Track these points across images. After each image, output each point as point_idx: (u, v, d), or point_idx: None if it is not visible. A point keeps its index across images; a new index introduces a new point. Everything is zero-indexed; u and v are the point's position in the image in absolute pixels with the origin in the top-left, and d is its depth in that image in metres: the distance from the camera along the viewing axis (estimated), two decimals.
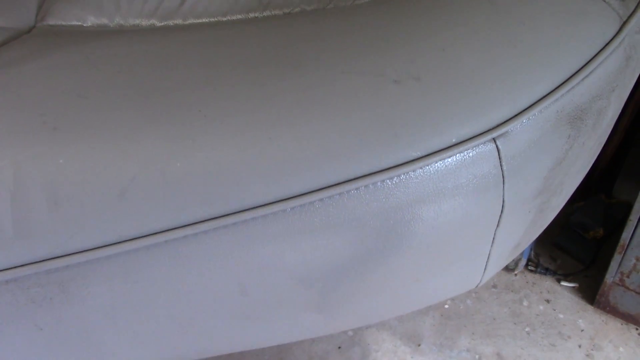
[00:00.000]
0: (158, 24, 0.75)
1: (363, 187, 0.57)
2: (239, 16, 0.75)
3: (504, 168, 0.62)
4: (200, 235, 0.55)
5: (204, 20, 0.75)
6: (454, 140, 0.58)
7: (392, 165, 0.57)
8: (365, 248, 0.60)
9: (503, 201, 0.64)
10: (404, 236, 0.61)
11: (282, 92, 0.58)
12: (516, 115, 0.61)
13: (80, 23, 0.75)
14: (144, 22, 0.75)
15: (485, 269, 0.73)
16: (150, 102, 0.57)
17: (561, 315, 1.81)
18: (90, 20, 0.75)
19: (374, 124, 0.57)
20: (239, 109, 0.57)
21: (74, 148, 0.54)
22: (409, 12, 0.67)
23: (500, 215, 0.65)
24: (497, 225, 0.67)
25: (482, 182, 0.61)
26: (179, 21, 0.75)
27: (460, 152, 0.59)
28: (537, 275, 1.91)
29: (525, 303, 1.85)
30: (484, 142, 0.60)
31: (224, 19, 0.75)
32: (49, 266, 0.54)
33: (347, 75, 0.60)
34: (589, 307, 1.81)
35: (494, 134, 0.60)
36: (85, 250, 0.54)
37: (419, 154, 0.58)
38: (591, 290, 1.86)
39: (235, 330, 0.64)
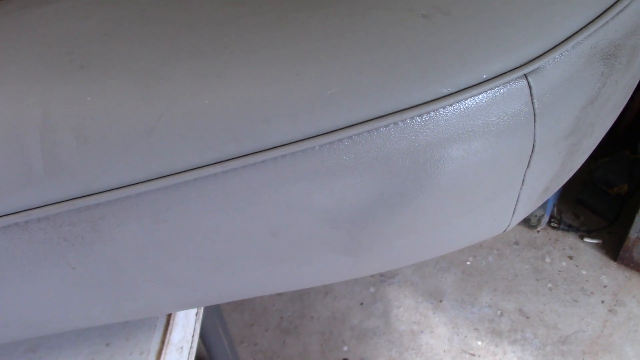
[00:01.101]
0: None
1: (392, 125, 0.56)
2: None
3: (536, 106, 0.60)
4: (229, 173, 0.55)
5: None
6: (484, 77, 0.57)
7: (421, 102, 0.56)
8: (394, 188, 0.60)
9: (534, 141, 0.63)
10: (432, 176, 0.60)
11: (309, 28, 0.57)
12: (548, 51, 0.59)
13: None
14: None
15: (514, 212, 0.72)
16: (176, 39, 0.57)
17: (584, 272, 1.80)
18: None
19: (402, 60, 0.56)
20: (266, 44, 0.56)
21: (101, 86, 0.54)
22: None
23: (530, 155, 0.64)
24: (528, 166, 0.66)
25: (513, 120, 0.60)
26: None
27: (491, 89, 0.58)
28: (559, 232, 1.90)
29: (547, 259, 1.84)
30: (516, 79, 0.58)
31: None
32: (79, 204, 0.54)
33: (375, 10, 0.58)
34: (612, 264, 1.80)
35: (526, 70, 0.58)
36: (115, 189, 0.54)
37: (448, 90, 0.56)
38: (614, 247, 1.85)
39: (265, 272, 0.65)
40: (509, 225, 0.76)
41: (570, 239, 1.87)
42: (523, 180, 0.67)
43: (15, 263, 0.57)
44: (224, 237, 0.59)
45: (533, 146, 0.64)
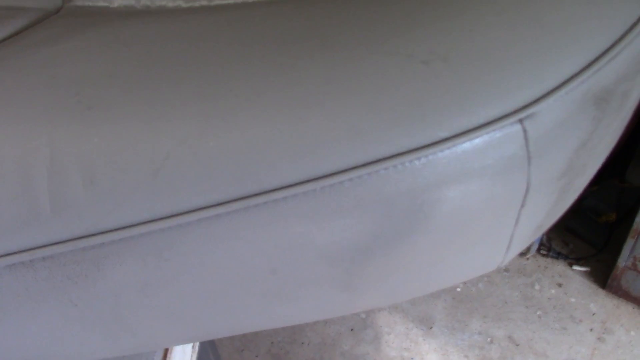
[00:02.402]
0: (184, 5, 0.75)
1: (392, 167, 0.58)
2: None
3: (530, 149, 0.62)
4: (231, 214, 0.56)
5: (229, 1, 0.75)
6: (481, 121, 0.59)
7: (420, 145, 0.58)
8: (392, 228, 0.61)
9: (528, 182, 0.64)
10: (430, 216, 0.62)
11: (311, 72, 0.59)
12: (543, 96, 0.61)
13: (107, 4, 0.75)
14: (170, 4, 0.75)
15: (507, 249, 0.74)
16: (182, 81, 0.58)
17: (573, 299, 1.82)
18: (117, 1, 0.75)
19: (402, 104, 0.58)
20: (269, 88, 0.58)
21: (108, 127, 0.55)
22: None
23: (525, 196, 0.66)
24: (522, 206, 0.67)
25: (508, 163, 0.62)
26: (204, 2, 0.75)
27: (487, 133, 0.59)
28: (549, 259, 1.92)
29: (537, 287, 1.86)
30: (511, 123, 0.60)
31: (250, 0, 0.76)
32: (85, 243, 0.55)
33: (376, 55, 0.60)
34: (601, 291, 1.82)
35: (521, 115, 0.60)
36: (120, 228, 0.55)
37: (446, 134, 0.58)
38: (603, 275, 1.87)
39: (263, 308, 0.66)
40: (502, 262, 0.77)
41: (560, 266, 1.89)
42: (517, 219, 0.69)
43: (18, 300, 0.57)
44: (225, 275, 0.60)
45: (527, 187, 0.65)
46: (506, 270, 1.90)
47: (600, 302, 1.76)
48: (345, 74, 0.59)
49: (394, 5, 0.67)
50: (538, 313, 1.78)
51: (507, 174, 0.63)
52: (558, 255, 1.81)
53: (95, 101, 0.57)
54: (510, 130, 0.60)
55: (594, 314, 1.74)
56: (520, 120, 0.61)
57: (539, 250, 1.87)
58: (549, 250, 1.84)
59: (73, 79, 0.59)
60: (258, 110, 0.56)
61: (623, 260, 1.58)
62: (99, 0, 0.76)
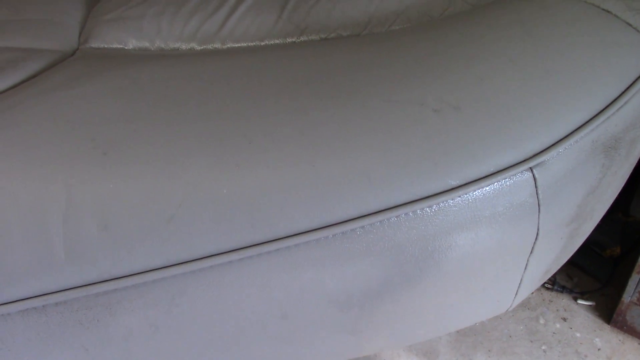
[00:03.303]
0: (197, 47, 0.76)
1: (403, 215, 0.58)
2: (277, 41, 0.77)
3: (540, 197, 0.62)
4: (244, 260, 0.57)
5: (242, 44, 0.77)
6: (492, 170, 0.60)
7: (431, 193, 0.58)
8: (402, 274, 0.61)
9: (538, 229, 0.65)
10: (440, 263, 0.62)
11: (324, 120, 0.60)
12: (553, 145, 0.62)
13: (122, 46, 0.77)
14: (184, 46, 0.76)
15: (516, 293, 0.74)
16: (196, 128, 0.59)
17: (578, 334, 1.80)
18: (132, 43, 0.76)
19: (414, 153, 0.58)
20: (283, 137, 0.58)
21: (124, 173, 0.55)
22: (446, 41, 0.69)
23: (534, 242, 0.66)
24: (531, 252, 0.67)
25: (518, 211, 0.62)
26: (217, 45, 0.77)
27: (497, 181, 0.60)
28: (553, 293, 1.91)
29: (541, 321, 1.85)
30: (521, 172, 0.61)
31: (262, 43, 0.77)
32: (98, 289, 0.55)
33: (388, 103, 0.61)
34: (606, 326, 1.81)
35: (531, 164, 0.61)
36: (133, 274, 0.55)
37: (457, 182, 0.59)
38: (608, 309, 1.86)
39: (273, 352, 0.65)
40: (511, 306, 0.77)
41: (564, 300, 1.88)
42: (526, 265, 0.69)
43: (30, 345, 0.57)
44: (236, 320, 0.60)
45: (537, 234, 0.65)
46: None
47: (606, 337, 1.75)
48: (357, 121, 0.60)
49: (405, 52, 0.68)
50: (543, 347, 1.76)
51: (517, 221, 0.63)
52: (562, 289, 1.80)
53: (111, 146, 0.57)
54: (520, 178, 0.61)
55: (599, 349, 1.72)
56: (531, 169, 0.61)
57: (543, 283, 1.86)
58: (553, 283, 1.83)
59: (89, 123, 0.60)
60: (271, 157, 0.57)
61: (628, 295, 1.58)
62: (114, 43, 0.77)
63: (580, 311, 1.86)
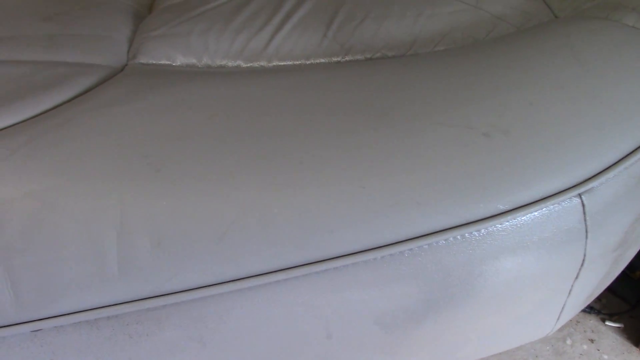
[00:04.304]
0: (244, 65, 0.77)
1: (451, 239, 0.58)
2: (322, 60, 0.78)
3: (588, 223, 0.62)
4: (292, 280, 0.57)
5: (287, 62, 0.77)
6: (541, 195, 0.59)
7: (480, 217, 0.58)
8: (448, 297, 0.61)
9: (584, 255, 0.64)
10: (486, 287, 0.62)
11: (374, 142, 0.60)
12: (602, 172, 0.61)
13: (170, 62, 0.78)
14: (230, 63, 0.77)
15: (558, 318, 0.73)
16: (247, 147, 0.60)
17: (605, 356, 1.77)
18: (179, 60, 0.78)
19: (463, 177, 0.58)
20: (333, 158, 0.59)
21: (177, 191, 0.56)
22: (493, 64, 0.69)
23: (580, 268, 0.66)
24: (576, 278, 0.67)
25: (565, 236, 0.62)
26: (263, 63, 0.77)
27: (546, 207, 0.60)
28: (581, 314, 1.88)
29: (568, 342, 1.82)
30: (570, 198, 0.61)
31: (307, 62, 0.77)
32: (149, 304, 0.56)
33: (437, 126, 0.61)
34: (634, 349, 1.78)
35: (580, 190, 0.60)
36: (184, 291, 0.56)
37: (507, 207, 0.59)
38: (636, 332, 1.83)
39: None
40: (551, 330, 0.77)
41: (592, 321, 1.85)
42: (570, 290, 0.69)
43: (80, 357, 0.58)
44: (280, 339, 0.61)
45: (583, 260, 0.65)
46: None
47: None
48: (406, 143, 0.60)
49: (452, 74, 0.69)
50: None
51: (564, 247, 0.63)
52: (590, 310, 1.78)
53: (163, 164, 0.58)
54: (569, 204, 0.61)
55: None
56: (580, 195, 0.61)
57: None
58: None
59: (142, 141, 0.61)
60: (321, 179, 0.58)
61: None
62: (162, 59, 0.78)
63: (608, 333, 1.84)
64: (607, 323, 1.85)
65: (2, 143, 0.60)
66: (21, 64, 0.72)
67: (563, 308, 0.72)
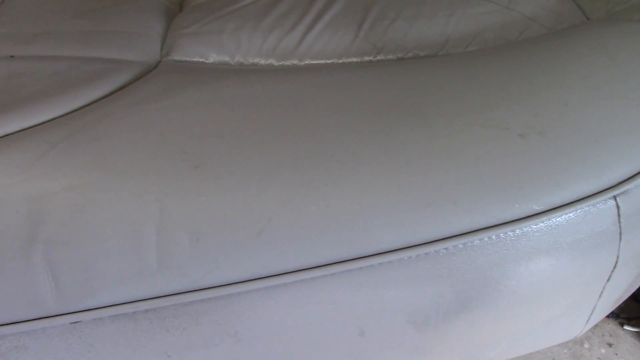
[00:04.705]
0: (276, 63, 0.78)
1: (486, 239, 0.58)
2: (354, 59, 0.78)
3: (622, 225, 0.62)
4: (328, 277, 0.57)
5: (319, 61, 0.78)
6: (576, 197, 0.59)
7: (515, 218, 0.59)
8: (481, 297, 0.62)
9: (617, 257, 0.64)
10: (520, 287, 0.62)
11: (409, 141, 0.60)
12: (637, 174, 0.61)
13: (203, 60, 0.78)
14: (263, 62, 0.78)
15: (588, 320, 0.73)
16: (284, 144, 0.60)
17: None
18: (213, 57, 0.78)
19: (499, 177, 0.58)
20: (369, 156, 0.59)
21: (215, 187, 0.57)
22: (528, 65, 0.69)
23: (612, 270, 0.66)
24: (608, 280, 0.67)
25: (600, 238, 0.62)
26: (295, 61, 0.78)
27: (581, 209, 0.60)
28: None
29: (586, 345, 1.81)
30: (605, 200, 0.60)
31: (339, 61, 0.78)
32: (187, 299, 0.56)
33: (472, 126, 0.61)
34: None
35: (615, 192, 0.60)
36: (221, 285, 0.56)
37: (541, 208, 0.59)
38: None
39: None
40: (580, 333, 0.77)
41: (610, 325, 1.84)
42: (601, 292, 0.69)
43: (117, 349, 0.59)
44: (314, 335, 0.61)
45: (616, 262, 0.65)
46: None
47: None
48: (442, 144, 0.60)
49: (487, 75, 0.69)
50: None
51: (597, 249, 0.63)
52: (609, 314, 1.77)
53: (201, 160, 0.59)
54: (604, 206, 0.61)
55: None
56: (614, 197, 0.61)
57: None
58: None
59: (179, 136, 0.62)
60: (358, 177, 0.58)
61: None
62: (195, 56, 0.79)
63: (626, 337, 1.82)
64: (626, 327, 1.84)
65: (43, 137, 0.61)
66: (57, 59, 0.73)
67: (593, 310, 0.72)
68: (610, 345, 1.81)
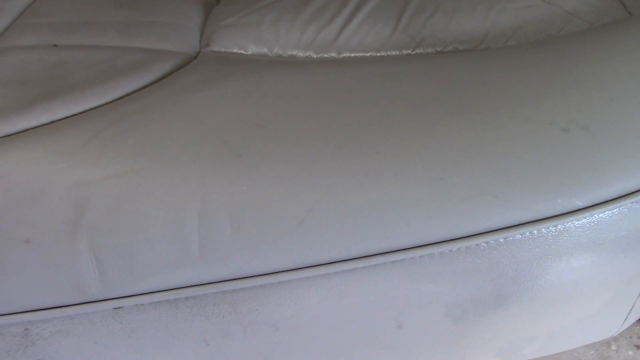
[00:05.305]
0: (314, 55, 0.78)
1: (527, 233, 0.58)
2: (392, 52, 0.78)
3: None
4: (368, 268, 0.57)
5: (358, 54, 0.78)
6: (619, 193, 0.59)
7: (557, 213, 0.58)
8: (520, 292, 0.61)
9: None
10: (559, 283, 0.61)
11: (451, 134, 0.60)
12: None
13: (242, 51, 0.79)
14: (301, 54, 0.78)
15: (625, 319, 0.72)
16: (325, 135, 0.60)
17: None
18: (251, 49, 0.79)
19: (542, 171, 0.58)
20: (410, 148, 0.59)
21: (257, 176, 0.57)
22: (571, 59, 0.68)
23: None
24: None
25: None
26: (333, 54, 0.78)
27: (625, 205, 0.59)
28: None
29: (613, 347, 1.79)
30: None
31: (377, 54, 0.78)
32: (227, 287, 0.57)
33: (515, 120, 0.61)
34: None
35: None
36: (261, 274, 0.57)
37: (584, 203, 0.58)
38: None
39: None
40: (617, 331, 0.76)
41: (638, 327, 1.81)
42: None
43: (157, 335, 0.59)
44: (352, 326, 0.61)
45: None
46: None
47: None
48: (485, 137, 0.60)
49: (529, 69, 0.68)
50: None
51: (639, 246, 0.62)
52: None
53: (243, 150, 0.59)
54: None
55: None
56: None
57: None
58: None
59: (221, 126, 0.62)
60: (399, 169, 0.58)
61: None
62: (234, 48, 0.79)
63: None
64: None
65: (87, 124, 0.62)
66: (99, 49, 0.74)
67: (632, 309, 0.71)
68: (638, 347, 1.78)
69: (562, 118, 0.61)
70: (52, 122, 0.63)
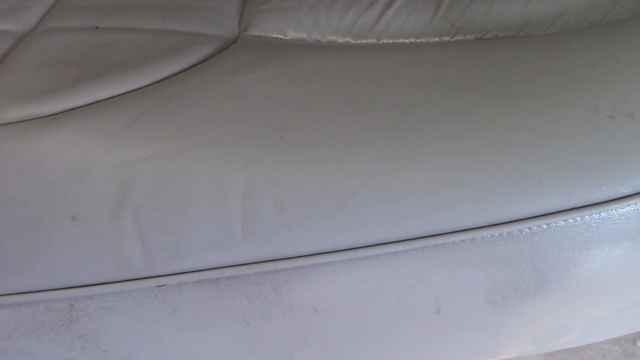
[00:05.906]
0: (353, 41, 0.78)
1: (571, 220, 0.58)
2: (432, 39, 0.78)
3: None
4: (410, 252, 0.58)
5: (397, 40, 0.78)
6: None
7: (601, 200, 0.58)
8: (561, 279, 0.61)
9: None
10: (600, 272, 0.61)
11: (495, 119, 0.60)
12: None
13: (281, 36, 0.79)
14: (340, 39, 0.78)
15: None
16: (368, 118, 0.60)
17: None
18: (290, 34, 0.79)
19: (586, 158, 0.57)
20: (454, 132, 0.59)
21: (300, 157, 0.57)
22: (615, 47, 0.67)
23: None
24: None
25: None
26: (373, 40, 0.78)
27: None
28: None
29: (638, 344, 1.77)
30: None
31: (417, 40, 0.77)
32: (269, 267, 0.57)
33: (559, 106, 0.60)
34: None
35: None
36: (303, 256, 0.57)
37: (629, 191, 0.58)
38: None
39: (418, 347, 0.66)
40: None
41: None
42: None
43: (198, 314, 0.60)
44: (391, 311, 0.62)
45: None
46: None
47: None
48: (529, 122, 0.59)
49: (572, 56, 0.67)
50: None
51: None
52: None
53: (287, 132, 0.59)
54: None
55: None
56: None
57: None
58: None
59: (264, 108, 0.62)
60: (443, 153, 0.58)
61: None
62: (273, 32, 0.80)
63: None
64: None
65: (132, 104, 0.62)
66: (140, 31, 0.75)
67: None
68: None
69: (607, 105, 0.60)
70: (97, 101, 0.64)
